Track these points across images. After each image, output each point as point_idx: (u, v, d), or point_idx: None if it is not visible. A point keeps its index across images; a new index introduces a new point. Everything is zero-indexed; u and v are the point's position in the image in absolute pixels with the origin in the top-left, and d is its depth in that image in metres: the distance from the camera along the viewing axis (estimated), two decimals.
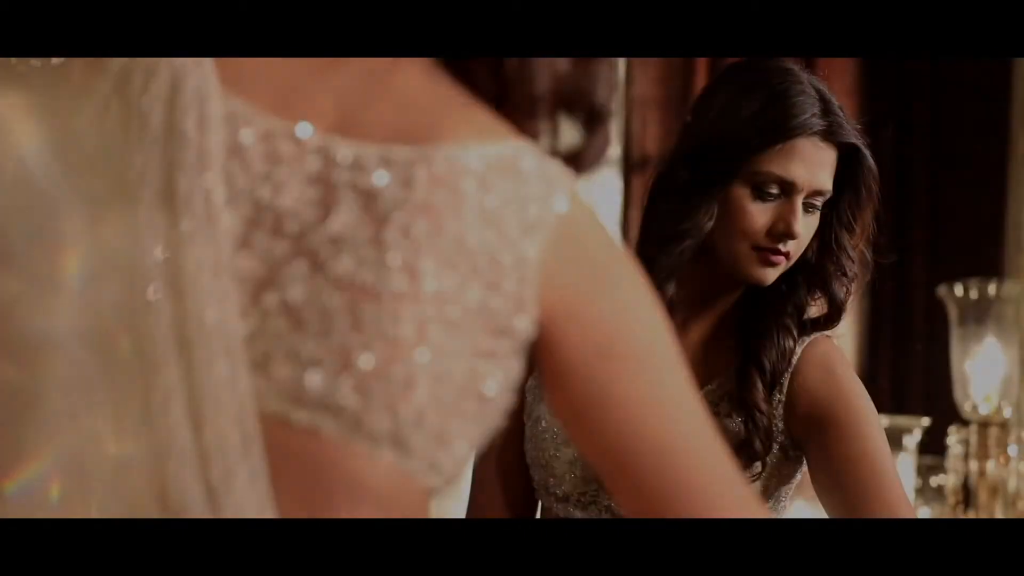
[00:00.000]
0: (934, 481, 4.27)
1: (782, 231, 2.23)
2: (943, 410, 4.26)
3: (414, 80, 1.20)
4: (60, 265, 1.12)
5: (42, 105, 1.15)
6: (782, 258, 2.24)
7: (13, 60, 1.17)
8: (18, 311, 1.11)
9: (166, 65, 1.15)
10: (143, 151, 1.13)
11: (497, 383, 1.17)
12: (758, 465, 2.25)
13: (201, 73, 1.15)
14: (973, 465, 3.89)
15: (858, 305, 5.61)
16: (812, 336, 2.31)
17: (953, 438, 3.96)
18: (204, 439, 1.10)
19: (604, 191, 5.16)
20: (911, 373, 5.59)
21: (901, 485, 2.25)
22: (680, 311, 2.32)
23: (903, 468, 4.10)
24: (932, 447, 4.21)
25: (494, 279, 1.15)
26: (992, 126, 5.54)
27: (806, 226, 2.25)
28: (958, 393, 3.98)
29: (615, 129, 5.29)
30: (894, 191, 5.70)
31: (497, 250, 1.15)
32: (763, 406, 2.24)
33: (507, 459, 2.37)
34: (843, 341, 5.83)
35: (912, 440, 4.12)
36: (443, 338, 1.14)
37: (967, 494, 3.91)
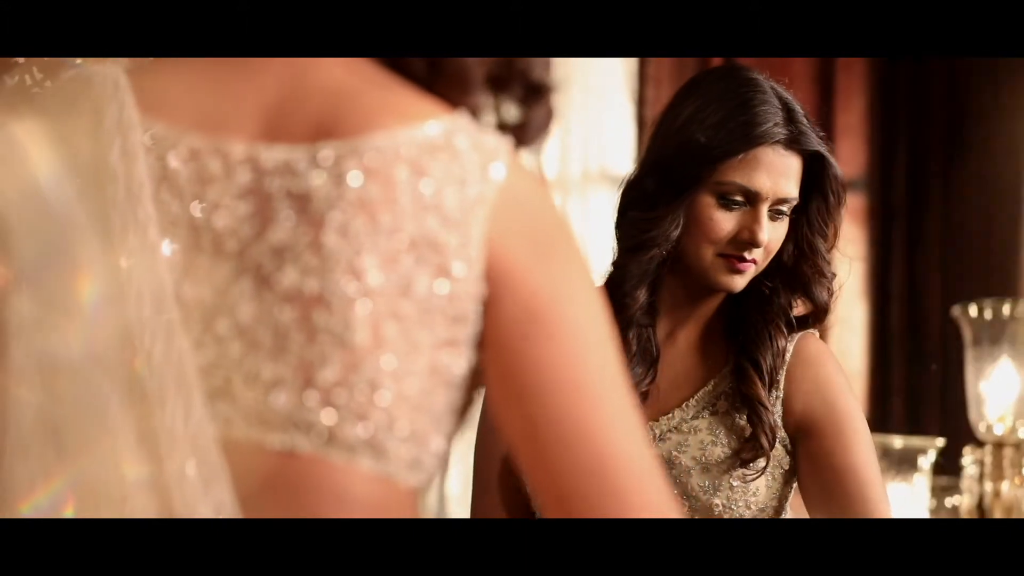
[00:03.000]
0: (949, 502, 4.26)
1: (747, 239, 2.26)
2: (958, 430, 4.25)
3: (336, 70, 1.18)
4: (74, 288, 1.11)
5: (51, 128, 1.15)
6: (748, 265, 2.27)
7: (28, 81, 1.16)
8: (34, 333, 1.11)
9: (85, 98, 1.14)
10: (76, 187, 1.12)
11: (461, 370, 1.15)
12: (762, 461, 2.26)
13: (119, 103, 1.13)
14: (988, 486, 3.88)
15: (872, 325, 5.60)
16: (800, 333, 2.35)
17: (968, 459, 3.95)
18: (164, 473, 1.09)
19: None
20: (925, 393, 5.57)
21: (886, 497, 2.28)
22: (665, 321, 2.36)
23: (918, 489, 4.09)
24: (947, 468, 4.20)
25: (442, 264, 1.13)
26: (1007, 146, 5.54)
27: (774, 233, 2.28)
28: (973, 413, 3.97)
29: (631, 150, 5.30)
30: (908, 212, 5.70)
31: (440, 234, 1.13)
32: (766, 401, 2.27)
33: (508, 486, 2.38)
34: (856, 361, 5.83)
35: (926, 461, 4.11)
36: (400, 336, 1.12)
37: (982, 515, 3.90)
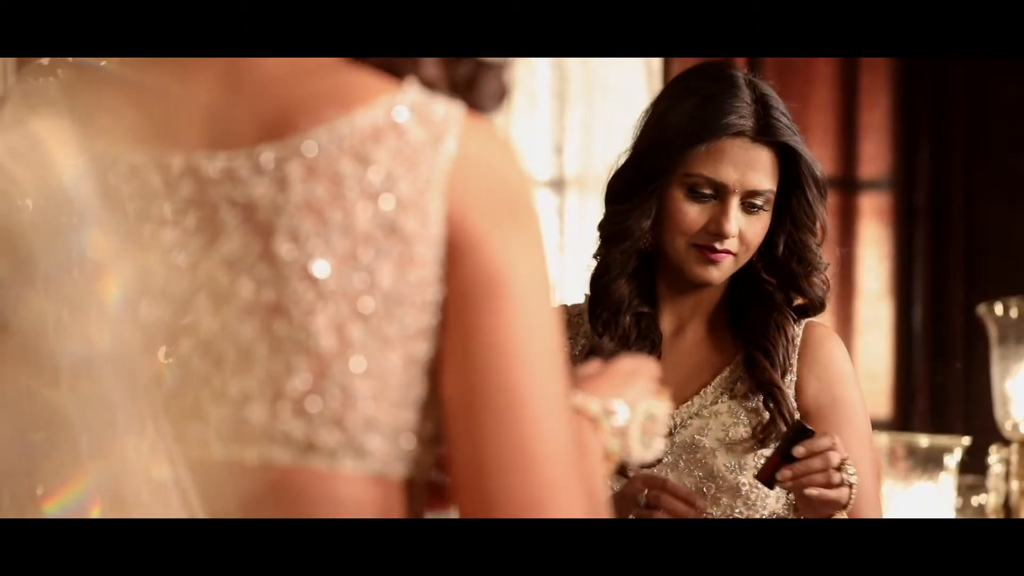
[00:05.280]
0: (975, 500, 4.25)
1: (715, 231, 2.28)
2: (983, 429, 4.24)
3: (276, 61, 1.14)
4: (96, 290, 1.11)
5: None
6: (722, 256, 2.29)
7: (51, 79, 1.15)
8: (54, 334, 1.10)
9: (36, 123, 1.11)
10: (26, 215, 1.10)
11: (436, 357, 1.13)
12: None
13: (57, 125, 1.11)
14: (1014, 484, 3.87)
15: (896, 324, 5.59)
16: (807, 320, 2.38)
17: (994, 457, 3.94)
18: (123, 495, 1.08)
19: None
20: (950, 392, 5.56)
21: (877, 500, 2.30)
22: (668, 314, 2.39)
23: (944, 487, 4.08)
24: (973, 466, 4.19)
25: (404, 252, 1.11)
26: None
27: (749, 226, 2.30)
28: (998, 412, 3.96)
29: None
30: (932, 210, 5.68)
31: (398, 219, 1.11)
32: (780, 383, 2.30)
33: None
34: (881, 360, 5.79)
35: (953, 459, 4.10)
36: (368, 334, 1.10)
37: (1008, 513, 3.88)
